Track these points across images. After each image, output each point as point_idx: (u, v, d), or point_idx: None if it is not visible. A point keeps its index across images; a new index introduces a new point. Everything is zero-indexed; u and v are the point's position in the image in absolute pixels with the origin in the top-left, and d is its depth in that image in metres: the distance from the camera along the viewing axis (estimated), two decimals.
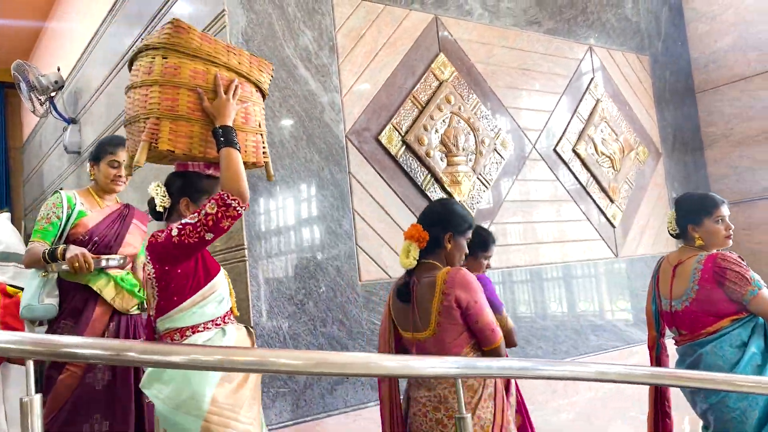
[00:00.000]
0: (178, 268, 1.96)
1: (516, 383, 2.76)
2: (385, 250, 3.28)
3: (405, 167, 3.41)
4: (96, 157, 2.73)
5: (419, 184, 3.45)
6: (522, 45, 4.07)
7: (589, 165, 4.25)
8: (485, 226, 3.68)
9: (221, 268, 2.11)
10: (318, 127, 3.13)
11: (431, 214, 2.33)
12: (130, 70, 2.14)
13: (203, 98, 1.99)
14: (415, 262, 2.23)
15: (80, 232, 2.60)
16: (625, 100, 4.62)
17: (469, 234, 2.32)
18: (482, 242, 2.69)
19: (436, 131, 3.55)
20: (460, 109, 3.65)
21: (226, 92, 2.02)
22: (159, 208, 2.04)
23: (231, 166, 1.94)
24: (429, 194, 3.46)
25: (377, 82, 3.38)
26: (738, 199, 4.86)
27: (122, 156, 2.64)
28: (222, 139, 1.97)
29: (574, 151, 4.20)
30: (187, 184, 2.07)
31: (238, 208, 1.90)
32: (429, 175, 3.49)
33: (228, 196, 1.89)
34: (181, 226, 1.90)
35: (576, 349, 3.96)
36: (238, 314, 2.19)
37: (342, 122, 3.21)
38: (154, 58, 2.00)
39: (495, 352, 2.17)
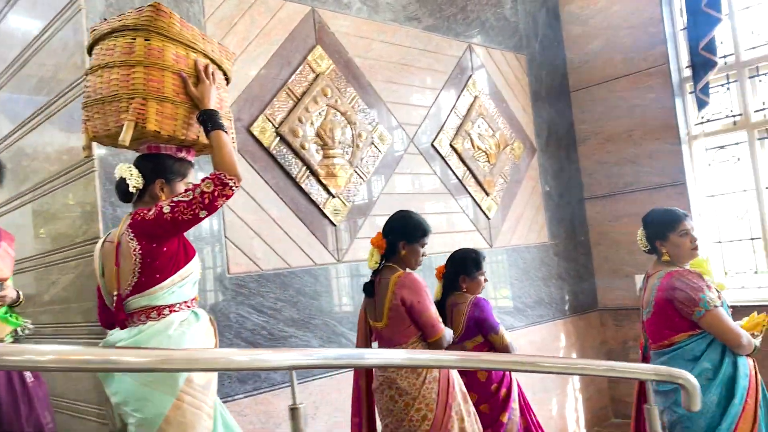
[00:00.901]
0: (164, 246, 2.00)
1: (519, 387, 3.17)
2: (257, 242, 3.27)
3: (279, 159, 3.40)
4: None
5: (294, 176, 3.45)
6: (401, 40, 4.14)
7: (465, 159, 4.41)
8: (362, 219, 3.75)
9: (196, 251, 2.16)
10: None
11: (390, 223, 2.84)
12: (90, 52, 2.15)
13: (187, 83, 2.05)
14: (377, 265, 2.77)
15: None
16: (502, 97, 4.81)
17: (425, 241, 2.79)
18: (475, 262, 3.19)
19: (312, 124, 3.56)
20: (337, 102, 3.68)
21: (207, 78, 2.10)
22: (132, 189, 2.07)
23: (223, 147, 2.03)
24: (304, 186, 3.48)
25: (249, 72, 3.35)
26: (605, 193, 5.20)
27: None
28: (209, 123, 2.06)
29: (451, 145, 4.34)
30: (162, 166, 2.11)
31: (234, 187, 1.99)
32: (304, 168, 3.50)
33: (225, 176, 1.98)
34: (174, 203, 1.95)
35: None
36: (199, 298, 2.24)
37: None
38: (134, 38, 2.01)
39: (436, 345, 2.66)
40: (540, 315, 4.78)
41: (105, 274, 2.13)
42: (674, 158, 4.81)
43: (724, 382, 2.51)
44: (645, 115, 4.94)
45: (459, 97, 4.47)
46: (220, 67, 2.23)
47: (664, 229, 2.69)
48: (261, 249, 3.27)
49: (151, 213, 1.99)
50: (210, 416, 2.01)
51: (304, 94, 3.55)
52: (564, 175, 5.23)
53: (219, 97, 2.18)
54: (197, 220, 1.98)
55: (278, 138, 3.41)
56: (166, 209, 1.96)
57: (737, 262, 4.68)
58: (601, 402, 5.09)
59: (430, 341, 2.68)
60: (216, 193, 1.96)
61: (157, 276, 2.02)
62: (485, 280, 3.24)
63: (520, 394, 3.16)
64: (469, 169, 4.43)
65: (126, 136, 1.96)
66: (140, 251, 2.00)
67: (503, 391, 3.06)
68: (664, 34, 4.84)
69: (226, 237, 3.15)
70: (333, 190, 3.58)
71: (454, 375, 2.75)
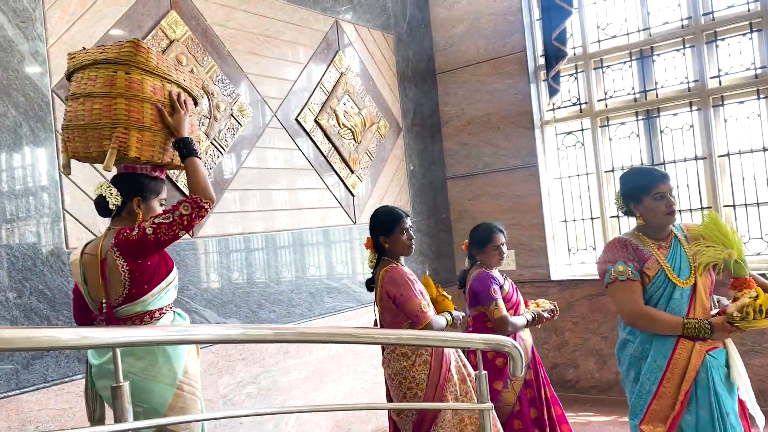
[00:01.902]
0: (148, 261, 2.24)
1: (536, 361, 3.28)
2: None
3: None
4: None
5: None
6: (264, 11, 4.05)
7: (330, 136, 4.42)
8: (222, 192, 3.66)
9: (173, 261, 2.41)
10: (16, 78, 2.82)
11: (370, 223, 3.00)
12: (69, 79, 2.34)
13: (164, 113, 2.27)
14: (372, 263, 2.99)
15: None
16: (369, 76, 4.86)
17: (403, 226, 2.92)
18: (484, 238, 3.30)
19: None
20: (193, 71, 3.54)
21: (180, 107, 2.31)
22: (112, 207, 2.28)
23: (198, 173, 2.28)
24: None
25: (94, 34, 3.14)
26: (466, 173, 5.43)
27: None
28: (185, 150, 2.29)
29: (316, 121, 4.33)
30: (138, 185, 2.32)
31: (208, 209, 2.26)
32: None
33: (201, 200, 2.23)
34: (156, 225, 2.18)
35: (311, 311, 4.15)
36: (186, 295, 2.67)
37: (47, 75, 2.93)
38: (116, 72, 2.20)
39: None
40: None
41: (88, 283, 2.31)
42: (528, 142, 5.11)
43: (636, 358, 2.48)
44: (503, 99, 5.19)
45: (325, 72, 4.45)
46: (190, 94, 2.45)
47: (639, 192, 2.50)
48: (106, 223, 3.10)
49: (134, 233, 2.20)
50: (199, 398, 2.33)
51: None
52: (428, 155, 5.39)
53: (191, 123, 2.41)
54: (176, 238, 2.22)
55: None
56: (149, 231, 2.19)
57: (580, 239, 5.08)
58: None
59: (418, 329, 2.79)
60: (193, 215, 2.21)
61: (146, 286, 2.26)
62: (501, 254, 3.32)
63: (535, 367, 3.25)
64: (334, 145, 4.45)
65: (109, 162, 2.18)
66: (128, 268, 2.23)
67: (499, 360, 3.17)
68: (522, 23, 5.09)
69: (65, 210, 2.96)
70: None
71: (452, 357, 2.91)
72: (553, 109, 5.12)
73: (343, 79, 4.57)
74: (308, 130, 4.27)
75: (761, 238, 4.31)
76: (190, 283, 3.45)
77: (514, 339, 3.15)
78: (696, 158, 4.52)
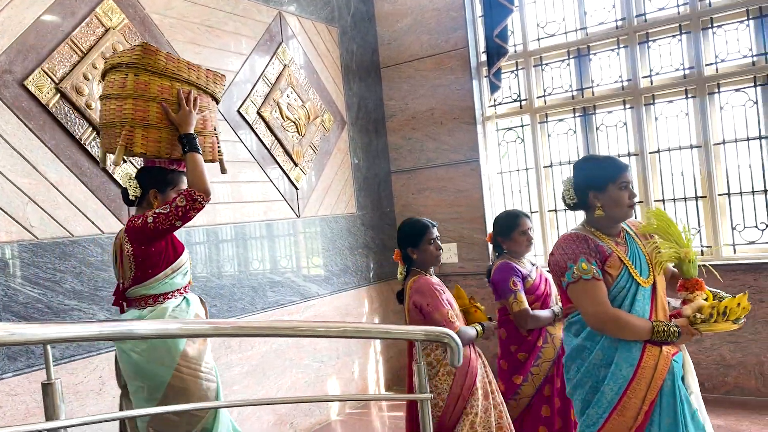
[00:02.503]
0: (152, 247, 2.42)
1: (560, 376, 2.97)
2: (31, 208, 2.99)
3: (59, 118, 3.12)
4: None
5: (78, 137, 3.19)
6: (205, 1, 3.98)
7: (273, 128, 4.38)
8: None
9: (185, 246, 2.58)
10: None
11: (397, 235, 2.98)
12: (102, 80, 2.55)
13: (168, 111, 2.44)
14: (402, 276, 2.96)
15: None
16: (313, 69, 4.84)
17: (430, 237, 2.87)
18: (509, 224, 3.16)
19: (100, 81, 3.30)
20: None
21: (187, 104, 2.46)
22: (132, 197, 2.52)
23: (196, 168, 2.43)
24: (89, 148, 3.23)
25: (24, 19, 3.01)
26: (410, 167, 5.48)
27: None
28: (186, 145, 2.45)
29: (259, 113, 4.29)
30: (155, 178, 2.52)
31: (202, 202, 2.41)
32: (90, 129, 3.25)
33: (195, 193, 2.39)
34: (155, 215, 2.37)
35: (253, 306, 4.12)
36: (194, 284, 2.79)
37: None
38: (126, 74, 2.39)
39: None
40: (345, 282, 4.95)
41: (115, 264, 2.58)
42: (470, 137, 5.19)
43: (597, 366, 2.22)
44: (446, 95, 5.26)
45: (268, 64, 4.41)
46: (205, 91, 2.59)
47: (603, 179, 2.27)
48: (36, 216, 3.00)
49: (139, 221, 2.40)
50: (208, 379, 2.48)
51: (91, 48, 3.28)
52: (372, 149, 5.42)
53: (203, 118, 2.58)
54: (174, 228, 2.41)
55: (59, 95, 3.13)
56: (150, 220, 2.38)
57: None
58: (401, 362, 5.42)
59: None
60: (188, 207, 2.38)
61: (150, 271, 2.44)
62: (528, 239, 3.16)
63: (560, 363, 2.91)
64: (277, 138, 4.42)
65: (118, 158, 2.42)
66: (133, 252, 2.44)
67: (521, 353, 3.08)
68: (465, 19, 5.17)
69: None
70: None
71: (479, 371, 2.83)
72: (495, 105, 5.22)
73: (287, 72, 4.54)
74: (251, 123, 4.23)
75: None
76: None
77: (540, 334, 3.05)
78: (629, 154, 4.69)
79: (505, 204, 5.25)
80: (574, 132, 4.92)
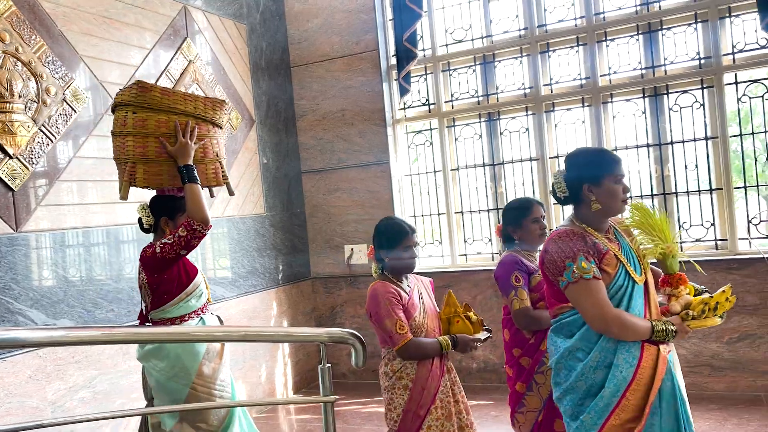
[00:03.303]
0: (165, 275, 2.56)
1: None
2: None
3: None
4: None
5: None
6: None
7: None
8: (53, 183, 3.38)
9: (198, 269, 2.71)
10: None
11: (373, 232, 2.78)
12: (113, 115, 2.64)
13: (166, 145, 2.54)
14: (378, 274, 2.73)
15: None
16: (220, 65, 4.72)
17: (405, 243, 2.65)
18: (520, 212, 2.87)
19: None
20: (17, 50, 3.23)
21: (183, 136, 2.55)
22: (146, 225, 2.65)
23: (193, 198, 2.52)
24: None
25: None
26: (321, 168, 5.46)
27: None
28: (185, 176, 2.53)
29: None
30: (164, 206, 2.65)
31: (202, 231, 2.53)
32: None
33: (194, 223, 2.50)
34: (162, 245, 2.50)
35: None
36: (212, 302, 2.89)
37: None
38: (126, 113, 2.52)
39: (399, 354, 2.58)
40: (253, 285, 4.86)
41: (140, 290, 2.72)
42: (381, 139, 5.24)
43: (594, 368, 2.10)
44: (357, 96, 5.28)
45: (172, 59, 4.26)
46: (204, 119, 2.67)
47: (601, 171, 2.15)
48: None
49: (150, 251, 2.54)
50: (222, 396, 2.65)
51: None
52: (282, 149, 5.35)
53: (203, 147, 2.67)
54: (180, 256, 2.55)
55: None
56: (158, 250, 2.51)
57: (428, 234, 5.31)
58: (309, 365, 5.39)
59: (395, 351, 2.60)
60: (189, 236, 2.50)
61: (165, 297, 2.59)
62: (542, 227, 2.86)
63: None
64: None
65: (124, 193, 2.59)
66: (147, 280, 2.59)
67: (524, 359, 2.77)
68: (375, 22, 5.21)
69: None
70: (10, 150, 3.15)
71: (443, 389, 2.63)
72: (404, 108, 5.30)
73: (192, 68, 4.40)
74: None
75: None
76: (13, 281, 3.15)
77: (544, 336, 2.64)
78: (531, 159, 4.89)
79: (414, 206, 5.33)
80: (480, 136, 5.07)
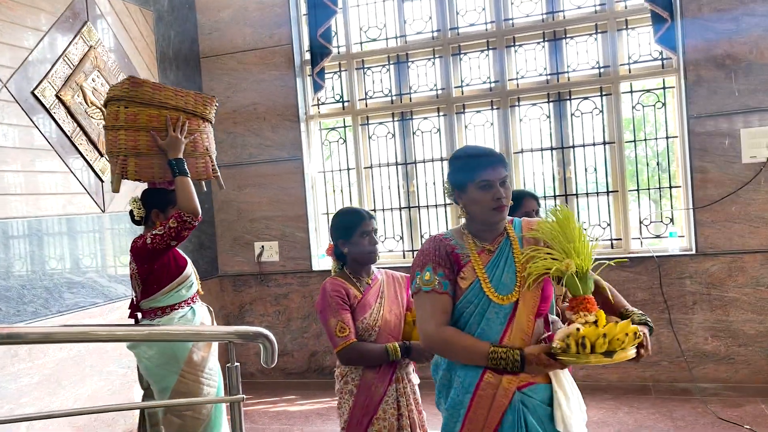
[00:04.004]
0: (155, 265, 2.69)
1: None
2: None
3: None
4: None
5: None
6: None
7: (76, 114, 3.99)
8: None
9: (188, 260, 2.83)
10: None
11: (330, 226, 2.86)
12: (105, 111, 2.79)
13: (156, 138, 2.64)
14: (333, 272, 2.58)
15: None
16: (125, 53, 4.49)
17: (362, 228, 2.46)
18: (515, 206, 2.54)
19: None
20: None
21: (174, 130, 2.65)
22: (137, 218, 2.81)
23: (184, 190, 2.65)
24: None
25: None
26: (231, 163, 5.32)
27: None
28: (176, 169, 2.66)
29: (58, 97, 3.88)
30: (155, 199, 2.77)
31: (192, 222, 2.66)
32: None
33: (184, 214, 2.63)
34: (152, 236, 2.63)
35: (47, 309, 3.72)
36: (203, 293, 2.99)
37: None
38: (119, 107, 2.62)
39: (339, 358, 2.43)
40: None
41: (131, 279, 2.87)
42: (294, 135, 5.17)
43: (444, 386, 1.97)
44: (270, 91, 5.19)
45: (71, 44, 4.01)
46: (194, 114, 2.77)
47: (464, 177, 1.96)
48: None
49: (140, 242, 2.67)
50: (209, 384, 2.77)
51: None
52: None
53: (193, 141, 2.78)
54: (170, 247, 2.68)
55: None
56: (149, 240, 2.64)
57: None
58: (222, 363, 5.23)
59: (336, 355, 2.45)
60: (179, 228, 2.63)
61: (155, 286, 2.70)
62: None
63: None
64: (80, 125, 4.03)
65: (115, 186, 2.72)
66: (137, 270, 2.75)
67: None
68: (289, 16, 5.13)
69: None
70: None
71: (389, 398, 2.42)
72: (318, 105, 5.26)
73: (93, 54, 4.16)
74: (48, 107, 3.81)
75: None
76: None
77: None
78: (441, 159, 4.99)
79: (327, 204, 5.30)
80: (393, 135, 5.12)
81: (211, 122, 2.93)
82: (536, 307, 1.90)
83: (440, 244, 1.97)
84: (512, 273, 1.92)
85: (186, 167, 2.69)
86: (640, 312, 1.97)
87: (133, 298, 2.85)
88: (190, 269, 2.85)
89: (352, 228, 2.48)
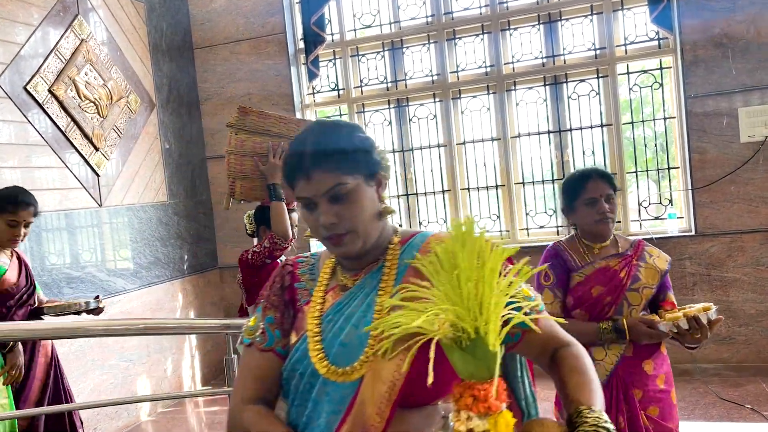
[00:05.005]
0: (255, 278, 3.01)
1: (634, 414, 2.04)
2: None
3: None
4: None
5: None
6: None
7: (69, 109, 3.98)
8: None
9: None
10: None
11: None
12: None
13: (259, 164, 2.83)
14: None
15: (6, 287, 2.90)
16: (117, 45, 4.46)
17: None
18: (570, 190, 2.19)
19: None
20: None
21: (274, 156, 2.80)
22: (249, 232, 3.33)
23: (277, 215, 2.92)
24: None
25: None
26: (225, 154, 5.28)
27: (22, 216, 2.92)
28: (272, 193, 2.87)
29: (51, 92, 3.86)
30: (263, 216, 3.12)
31: (282, 244, 2.96)
32: None
33: (275, 237, 2.95)
34: (253, 253, 3.02)
35: None
36: None
37: None
38: (230, 134, 2.85)
39: None
40: (156, 276, 4.67)
41: None
42: None
43: None
44: (264, 80, 5.16)
45: (62, 38, 3.98)
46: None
47: (285, 183, 1.54)
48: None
49: (245, 256, 3.05)
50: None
51: None
52: (186, 133, 5.15)
53: None
54: (265, 264, 3.00)
55: None
56: (250, 257, 3.02)
57: None
58: (218, 356, 5.26)
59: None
60: (272, 248, 2.97)
61: (256, 297, 3.06)
62: (600, 211, 2.11)
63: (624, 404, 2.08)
64: (74, 119, 4.02)
65: (225, 204, 2.97)
66: (241, 281, 3.18)
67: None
68: (282, 4, 5.09)
69: None
70: None
71: None
72: (313, 93, 5.23)
73: (85, 47, 4.13)
74: (41, 102, 3.80)
75: (490, 216, 4.91)
76: None
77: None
78: (438, 146, 4.96)
79: None
80: (389, 123, 5.09)
81: None
82: (396, 391, 1.07)
83: (284, 270, 1.33)
84: (362, 329, 1.14)
85: (281, 192, 2.90)
86: (606, 420, 0.97)
87: (242, 302, 3.27)
88: None
89: None
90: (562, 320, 1.13)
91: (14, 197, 2.91)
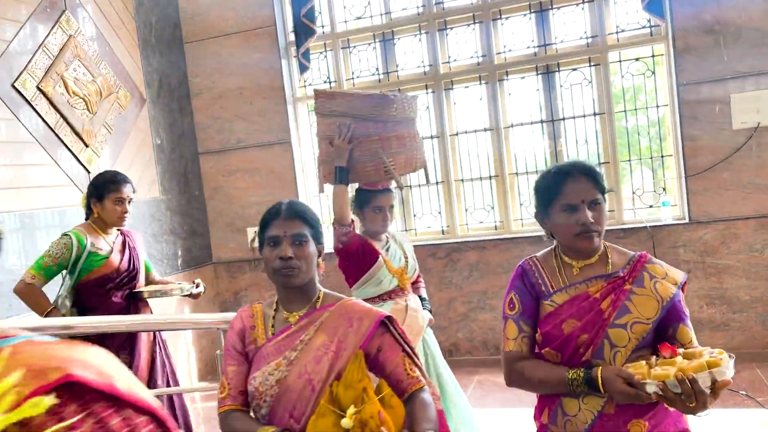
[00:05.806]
0: (343, 263, 2.89)
1: None
2: None
3: None
4: (99, 195, 3.03)
5: None
6: None
7: (58, 105, 3.94)
8: None
9: (379, 260, 2.84)
10: None
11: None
12: None
13: (328, 147, 2.82)
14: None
15: (107, 272, 3.01)
16: (105, 41, 4.42)
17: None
18: (544, 192, 1.77)
19: None
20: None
21: (339, 137, 2.76)
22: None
23: (336, 199, 2.79)
24: None
25: None
26: (219, 148, 5.27)
27: (125, 192, 3.03)
28: (337, 177, 2.79)
29: (39, 88, 3.83)
30: (358, 199, 2.92)
31: (340, 227, 2.79)
32: None
33: (335, 221, 2.81)
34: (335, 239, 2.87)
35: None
36: (406, 287, 2.91)
37: None
38: (319, 119, 2.87)
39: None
40: None
41: None
42: (281, 118, 5.12)
43: None
44: (254, 74, 5.12)
45: (49, 34, 3.95)
46: (364, 117, 2.82)
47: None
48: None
49: (335, 244, 2.88)
50: None
51: None
52: (177, 128, 5.12)
53: (360, 142, 2.82)
54: (338, 249, 2.84)
55: None
56: (334, 243, 2.87)
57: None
58: (214, 351, 5.24)
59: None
60: (336, 233, 2.82)
61: (350, 280, 2.90)
62: (573, 217, 1.65)
63: None
64: (63, 116, 3.98)
65: (320, 187, 3.04)
66: (337, 264, 2.95)
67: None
68: None
69: None
70: None
71: None
72: (305, 86, 5.20)
73: (73, 43, 4.09)
74: (29, 99, 3.76)
75: (483, 208, 4.90)
76: None
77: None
78: (432, 137, 4.95)
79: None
80: None
81: (386, 122, 2.83)
82: None
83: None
84: None
85: (345, 176, 2.79)
86: None
87: None
88: (377, 270, 2.82)
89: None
90: None
91: (114, 176, 3.09)
